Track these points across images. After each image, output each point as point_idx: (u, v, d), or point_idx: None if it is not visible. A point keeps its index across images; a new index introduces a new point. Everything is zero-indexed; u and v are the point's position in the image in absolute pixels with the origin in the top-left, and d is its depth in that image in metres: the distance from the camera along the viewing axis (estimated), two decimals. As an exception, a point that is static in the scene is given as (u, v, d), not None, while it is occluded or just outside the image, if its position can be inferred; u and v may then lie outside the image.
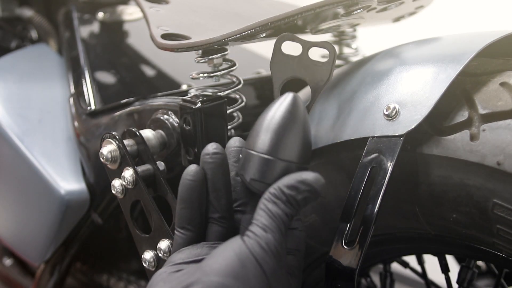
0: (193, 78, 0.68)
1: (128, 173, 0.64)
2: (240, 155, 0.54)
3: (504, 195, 0.50)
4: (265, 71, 0.96)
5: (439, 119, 0.54)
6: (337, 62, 0.90)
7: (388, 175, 0.53)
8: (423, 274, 0.83)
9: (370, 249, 0.53)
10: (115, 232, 0.97)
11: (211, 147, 0.53)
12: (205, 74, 0.67)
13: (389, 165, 0.53)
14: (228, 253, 0.47)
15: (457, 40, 0.59)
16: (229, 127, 0.69)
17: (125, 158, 0.65)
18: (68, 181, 0.86)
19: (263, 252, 0.47)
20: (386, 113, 0.55)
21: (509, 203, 0.50)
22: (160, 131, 0.69)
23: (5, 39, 1.13)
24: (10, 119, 0.90)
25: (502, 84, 0.52)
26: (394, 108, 0.54)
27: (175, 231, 0.54)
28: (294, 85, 0.62)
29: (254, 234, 0.47)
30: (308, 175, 0.48)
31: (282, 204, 0.48)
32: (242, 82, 0.70)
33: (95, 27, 1.06)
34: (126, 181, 0.64)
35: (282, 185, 0.48)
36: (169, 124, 0.69)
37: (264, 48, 1.08)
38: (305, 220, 0.68)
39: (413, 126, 0.52)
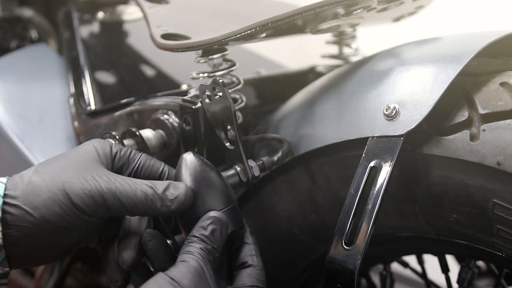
0: (193, 78, 0.68)
1: (128, 173, 0.64)
2: None
3: (504, 195, 0.50)
4: (265, 71, 0.96)
5: (439, 119, 0.54)
6: (337, 62, 0.90)
7: (388, 175, 0.53)
8: (423, 274, 0.83)
9: (370, 249, 0.53)
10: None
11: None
12: (205, 74, 0.67)
13: (389, 165, 0.53)
14: (148, 283, 0.50)
15: (457, 40, 0.59)
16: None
17: (125, 158, 0.65)
18: (68, 181, 0.86)
19: (180, 274, 0.50)
20: (386, 113, 0.55)
21: (509, 203, 0.49)
22: (160, 131, 0.69)
23: (5, 39, 1.13)
24: (10, 119, 0.90)
25: (502, 84, 0.52)
26: (394, 108, 0.54)
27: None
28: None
29: (174, 266, 0.51)
30: (210, 213, 0.55)
31: (195, 243, 0.53)
32: (242, 82, 0.70)
33: (95, 27, 1.06)
34: (126, 181, 0.64)
35: (192, 232, 0.54)
36: (169, 124, 0.69)
37: (264, 48, 1.08)
38: (305, 220, 0.68)
39: (413, 126, 0.52)
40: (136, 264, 0.57)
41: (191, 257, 0.51)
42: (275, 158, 0.64)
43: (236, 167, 0.62)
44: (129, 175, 0.58)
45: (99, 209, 0.52)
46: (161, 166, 0.59)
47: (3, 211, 0.50)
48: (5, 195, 0.50)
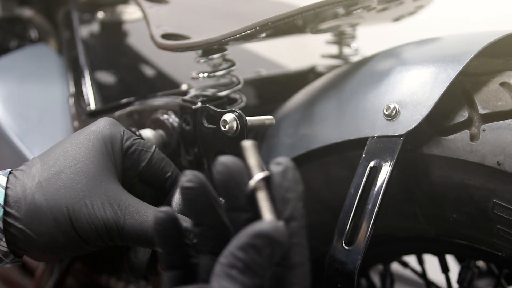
0: (193, 78, 0.68)
1: (128, 173, 0.64)
2: None
3: (504, 195, 0.50)
4: (265, 71, 0.96)
5: (439, 119, 0.54)
6: (337, 62, 0.90)
7: (388, 175, 0.53)
8: (423, 274, 0.82)
9: (370, 249, 0.53)
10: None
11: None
12: (205, 74, 0.67)
13: (389, 165, 0.53)
14: None
15: (457, 40, 0.59)
16: None
17: (125, 158, 0.64)
18: (68, 181, 0.86)
19: None
20: (386, 113, 0.55)
21: (509, 203, 0.50)
22: (160, 131, 0.69)
23: (5, 39, 1.13)
24: (10, 119, 0.89)
25: (502, 84, 0.52)
26: (394, 108, 0.54)
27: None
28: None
29: None
30: (264, 225, 0.36)
31: (239, 274, 0.36)
32: (242, 82, 0.70)
33: (95, 27, 1.06)
34: (126, 181, 0.64)
35: (234, 248, 0.37)
36: (169, 124, 0.69)
37: (264, 48, 1.08)
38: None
39: (413, 126, 0.53)
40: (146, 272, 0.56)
41: None
42: None
43: None
44: (136, 176, 0.57)
45: (104, 241, 0.53)
46: (170, 170, 0.58)
47: (6, 229, 0.50)
48: (7, 213, 0.50)
